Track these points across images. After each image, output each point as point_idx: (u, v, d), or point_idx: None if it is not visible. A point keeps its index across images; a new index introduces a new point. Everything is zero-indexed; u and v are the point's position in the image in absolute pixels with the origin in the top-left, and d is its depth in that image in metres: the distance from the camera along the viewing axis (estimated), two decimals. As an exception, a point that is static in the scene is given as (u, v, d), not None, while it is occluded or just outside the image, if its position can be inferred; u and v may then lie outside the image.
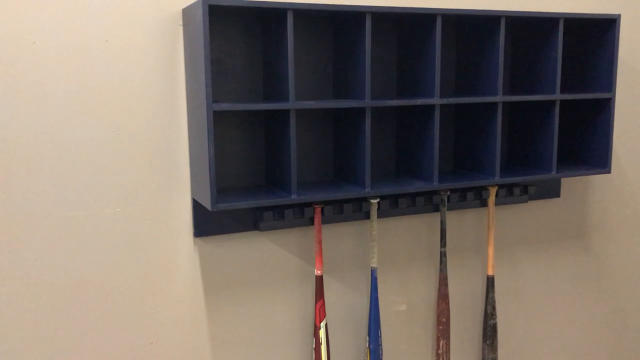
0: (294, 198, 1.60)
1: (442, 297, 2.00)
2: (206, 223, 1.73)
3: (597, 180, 2.31)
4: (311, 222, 1.83)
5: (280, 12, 1.54)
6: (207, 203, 1.53)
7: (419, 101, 1.71)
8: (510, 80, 2.09)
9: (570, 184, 2.27)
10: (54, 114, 1.54)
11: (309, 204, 1.78)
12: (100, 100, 1.58)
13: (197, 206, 1.70)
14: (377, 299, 1.88)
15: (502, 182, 1.87)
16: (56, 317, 1.61)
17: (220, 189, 1.72)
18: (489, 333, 2.08)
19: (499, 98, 1.82)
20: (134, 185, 1.64)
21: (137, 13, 1.58)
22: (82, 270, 1.61)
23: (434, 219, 2.04)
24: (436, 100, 1.73)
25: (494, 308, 2.07)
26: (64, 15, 1.51)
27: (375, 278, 1.87)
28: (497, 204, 2.11)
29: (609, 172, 2.01)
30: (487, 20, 1.83)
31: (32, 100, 1.51)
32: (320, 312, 1.81)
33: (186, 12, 1.58)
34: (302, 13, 1.60)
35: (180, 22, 1.63)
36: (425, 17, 1.73)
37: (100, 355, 1.66)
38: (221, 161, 1.74)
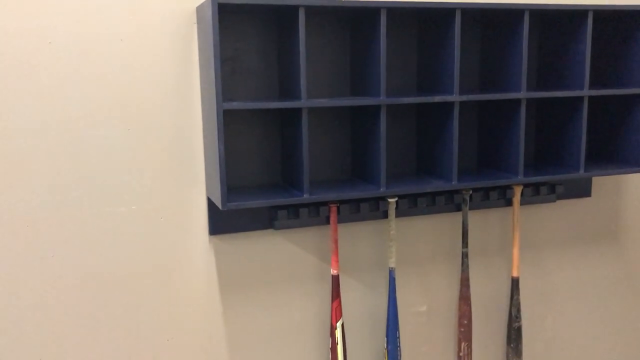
0: (306, 197, 1.58)
1: (464, 298, 1.95)
2: (221, 221, 1.73)
3: (631, 179, 2.21)
4: (327, 221, 1.82)
5: (291, 9, 1.52)
6: (218, 202, 1.53)
7: (437, 98, 1.67)
8: (538, 75, 2.02)
9: (602, 182, 2.18)
10: (71, 113, 1.56)
11: (325, 203, 1.76)
12: (116, 99, 1.59)
13: (212, 204, 1.71)
14: (395, 299, 1.85)
15: (525, 182, 1.81)
16: (73, 313, 1.64)
17: (236, 187, 1.72)
18: (514, 336, 2.02)
19: (522, 94, 1.75)
20: (150, 183, 1.65)
21: (152, 11, 1.59)
22: (99, 267, 1.64)
23: (455, 218, 1.99)
24: (455, 98, 1.68)
25: (518, 310, 2.01)
26: (79, 15, 1.53)
27: (394, 278, 1.84)
28: (523, 203, 2.04)
29: (643, 170, 1.92)
30: (510, 14, 1.77)
31: (49, 99, 1.54)
32: (336, 311, 1.79)
33: (199, 10, 1.58)
34: (315, 10, 1.57)
35: (195, 20, 1.63)
36: (443, 12, 1.68)
37: (117, 350, 1.69)
38: (237, 159, 1.73)
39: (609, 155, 2.03)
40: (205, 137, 1.65)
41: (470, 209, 1.98)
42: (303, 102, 1.54)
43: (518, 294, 2.00)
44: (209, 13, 1.44)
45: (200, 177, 1.69)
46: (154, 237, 1.68)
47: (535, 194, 2.00)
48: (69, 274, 1.62)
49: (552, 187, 2.02)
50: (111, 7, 1.56)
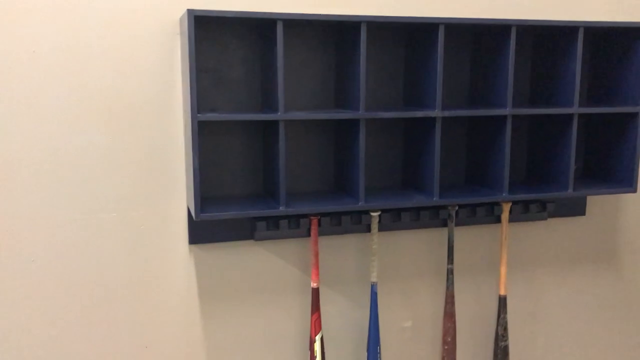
0: (282, 210, 1.58)
1: (448, 315, 1.92)
2: (201, 231, 1.73)
3: (627, 198, 2.16)
4: (309, 233, 1.81)
5: (270, 23, 1.52)
6: (193, 212, 1.54)
7: (418, 113, 1.66)
8: (531, 92, 1.99)
9: (597, 201, 2.13)
10: (54, 121, 1.58)
11: (306, 215, 1.76)
12: (99, 108, 1.61)
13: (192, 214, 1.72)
14: (377, 314, 1.83)
15: (510, 199, 1.78)
16: (53, 319, 1.66)
17: (217, 197, 1.72)
18: (500, 355, 1.98)
19: (507, 111, 1.73)
20: (131, 191, 1.67)
21: (136, 22, 1.61)
22: (78, 273, 1.66)
23: (441, 234, 1.97)
24: (437, 113, 1.67)
25: (505, 329, 1.97)
26: (63, 25, 1.56)
27: (375, 293, 1.82)
28: (513, 220, 2.01)
29: (635, 191, 1.88)
30: (497, 30, 1.75)
31: (33, 108, 1.56)
32: (315, 325, 1.78)
33: (182, 22, 1.59)
34: (295, 23, 1.58)
35: (178, 32, 1.64)
36: (427, 27, 1.67)
37: (95, 356, 1.70)
38: (220, 169, 1.74)
39: (604, 174, 1.98)
40: (186, 147, 1.66)
41: (457, 225, 1.96)
42: (280, 115, 1.54)
43: (505, 313, 1.97)
44: (185, 25, 1.45)
45: (181, 186, 1.70)
46: (134, 244, 1.69)
47: (525, 211, 1.97)
48: (48, 279, 1.64)
49: (542, 205, 1.98)
50: (95, 17, 1.58)
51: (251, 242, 1.79)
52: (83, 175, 1.63)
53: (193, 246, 1.74)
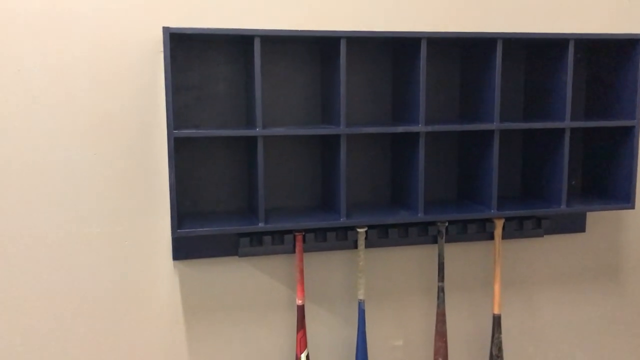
0: (261, 226, 1.57)
1: (439, 334, 1.88)
2: (186, 246, 1.73)
3: (628, 214, 2.09)
4: (294, 249, 1.79)
5: (247, 39, 1.53)
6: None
7: (400, 129, 1.64)
8: (525, 106, 1.95)
9: (597, 218, 2.07)
10: (38, 137, 1.61)
11: (290, 231, 1.74)
12: (83, 124, 1.63)
13: (176, 229, 1.72)
14: (364, 332, 1.80)
15: (499, 215, 1.74)
16: (35, 334, 1.67)
17: (201, 213, 1.72)
18: (494, 376, 1.93)
19: (494, 126, 1.70)
20: (115, 206, 1.68)
21: (119, 40, 1.63)
22: (62, 288, 1.67)
23: (432, 251, 1.93)
24: (420, 128, 1.64)
25: (500, 349, 1.92)
26: (46, 44, 1.58)
27: (363, 311, 1.80)
28: (508, 237, 1.96)
29: (633, 207, 1.82)
30: (483, 43, 1.72)
31: (17, 124, 1.59)
32: (300, 342, 1.76)
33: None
34: (274, 39, 1.58)
35: (161, 49, 1.65)
36: (409, 41, 1.65)
37: (80, 371, 1.71)
38: (205, 185, 1.74)
39: (602, 189, 1.93)
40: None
41: (448, 241, 1.92)
42: (258, 131, 1.54)
43: (500, 332, 1.92)
44: (162, 42, 1.47)
45: (165, 202, 1.70)
46: (118, 260, 1.70)
47: (520, 227, 1.92)
48: (32, 294, 1.65)
49: (537, 222, 1.94)
50: (79, 35, 1.60)
51: (236, 258, 1.78)
52: (67, 191, 1.64)
53: (177, 262, 1.74)
